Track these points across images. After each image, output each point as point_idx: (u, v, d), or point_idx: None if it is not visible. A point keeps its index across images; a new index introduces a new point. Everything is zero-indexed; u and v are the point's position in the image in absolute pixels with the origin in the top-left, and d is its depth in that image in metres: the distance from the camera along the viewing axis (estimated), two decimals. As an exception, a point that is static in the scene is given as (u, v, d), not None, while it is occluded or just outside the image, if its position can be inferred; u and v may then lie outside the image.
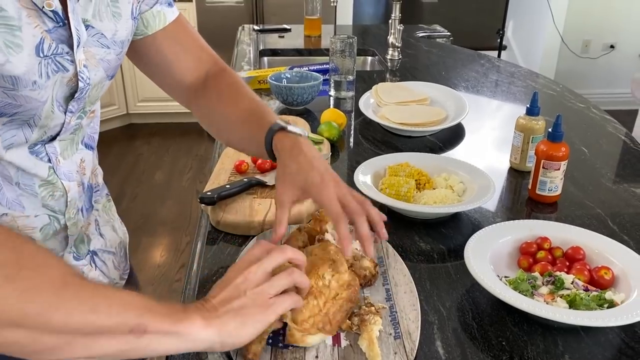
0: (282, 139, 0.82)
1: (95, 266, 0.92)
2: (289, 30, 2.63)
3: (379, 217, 0.80)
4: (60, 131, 0.75)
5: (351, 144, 1.42)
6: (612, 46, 4.37)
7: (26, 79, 0.64)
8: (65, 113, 0.73)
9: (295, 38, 2.53)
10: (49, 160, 0.76)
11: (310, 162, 0.78)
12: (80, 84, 0.71)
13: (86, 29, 0.70)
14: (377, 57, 2.28)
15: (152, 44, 0.90)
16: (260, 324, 0.64)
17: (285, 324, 0.71)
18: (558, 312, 0.75)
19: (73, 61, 0.69)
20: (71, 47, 0.68)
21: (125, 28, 0.78)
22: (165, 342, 0.59)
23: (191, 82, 0.96)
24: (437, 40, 2.56)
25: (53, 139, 0.75)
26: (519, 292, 0.80)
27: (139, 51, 0.91)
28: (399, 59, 2.15)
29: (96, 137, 0.89)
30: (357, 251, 0.84)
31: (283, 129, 0.83)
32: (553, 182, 1.10)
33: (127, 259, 1.05)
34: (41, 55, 0.65)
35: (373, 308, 0.76)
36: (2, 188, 0.73)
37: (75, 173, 0.82)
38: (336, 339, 0.73)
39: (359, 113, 1.55)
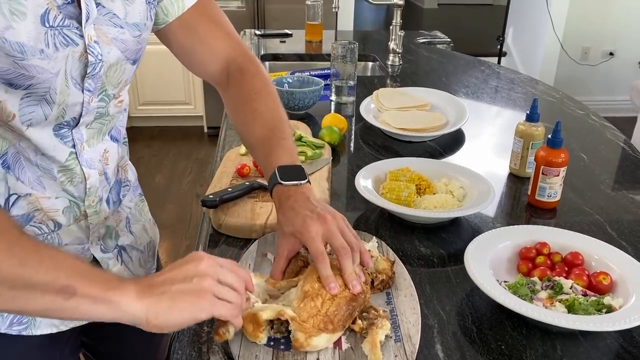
0: (279, 194, 0.82)
1: (122, 261, 0.95)
2: (290, 35, 2.64)
3: (359, 271, 0.77)
4: (81, 112, 0.76)
5: (352, 149, 1.43)
6: (611, 53, 4.39)
7: (32, 46, 0.65)
8: (82, 92, 0.74)
9: (296, 43, 2.54)
10: (74, 146, 0.78)
11: (295, 210, 0.78)
12: (91, 58, 0.72)
13: (97, 7, 0.71)
14: (377, 62, 2.29)
15: (170, 34, 0.89)
16: (188, 314, 0.63)
17: (289, 331, 0.72)
18: (557, 316, 0.76)
19: (82, 35, 0.70)
20: (80, 22, 0.70)
21: (138, 11, 0.79)
22: (94, 308, 0.60)
23: (213, 74, 0.95)
24: (438, 46, 2.57)
25: (77, 122, 0.77)
26: (518, 297, 0.80)
27: (164, 40, 0.91)
28: (400, 64, 2.16)
29: (123, 130, 0.90)
30: (370, 252, 0.84)
31: (280, 183, 0.82)
32: (552, 188, 1.10)
33: (154, 259, 1.07)
34: (47, 25, 0.66)
35: (381, 311, 0.76)
36: (24, 167, 0.76)
37: (98, 162, 0.83)
38: (337, 342, 0.73)
39: (359, 118, 1.56)
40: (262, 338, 0.71)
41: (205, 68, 0.95)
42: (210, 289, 0.64)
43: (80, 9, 0.69)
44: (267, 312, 0.70)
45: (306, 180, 0.83)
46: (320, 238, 0.75)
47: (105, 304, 0.60)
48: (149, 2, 0.81)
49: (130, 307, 0.61)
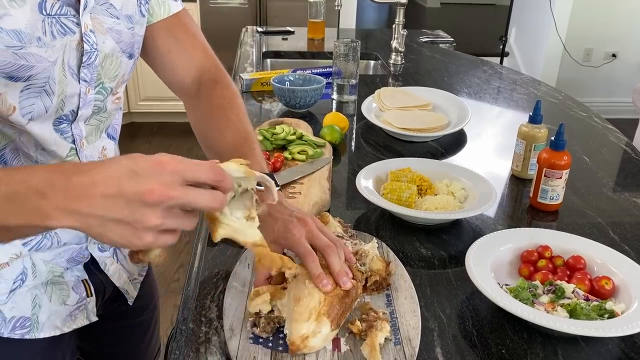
0: None
1: (117, 259, 0.95)
2: (293, 32, 2.63)
3: (346, 267, 0.77)
4: (79, 104, 0.77)
5: (353, 148, 1.42)
6: (614, 55, 4.38)
7: (30, 33, 0.66)
8: (79, 82, 0.75)
9: (298, 41, 2.53)
10: (74, 142, 0.79)
11: (273, 216, 0.78)
12: (86, 47, 0.73)
13: None
14: (380, 61, 2.28)
15: (149, 36, 0.91)
16: (121, 242, 0.55)
17: (277, 328, 0.71)
18: (558, 321, 0.75)
19: (79, 24, 0.71)
20: (77, 10, 0.71)
21: (131, 4, 0.81)
22: (30, 230, 0.58)
23: (183, 81, 0.97)
24: (440, 45, 2.56)
25: (76, 116, 0.77)
26: (520, 301, 0.80)
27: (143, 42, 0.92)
28: (402, 63, 2.15)
29: (118, 129, 0.91)
30: (365, 250, 0.84)
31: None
32: (554, 191, 1.10)
33: None
34: (44, 13, 0.67)
35: (380, 313, 0.76)
36: (23, 164, 0.76)
37: (97, 159, 0.84)
38: (336, 344, 0.73)
39: (361, 117, 1.55)
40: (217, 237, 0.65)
41: (177, 73, 0.96)
42: (155, 228, 0.55)
43: None
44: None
45: (278, 187, 0.84)
46: (304, 239, 0.76)
47: (38, 227, 0.55)
48: None
49: (60, 224, 0.54)
